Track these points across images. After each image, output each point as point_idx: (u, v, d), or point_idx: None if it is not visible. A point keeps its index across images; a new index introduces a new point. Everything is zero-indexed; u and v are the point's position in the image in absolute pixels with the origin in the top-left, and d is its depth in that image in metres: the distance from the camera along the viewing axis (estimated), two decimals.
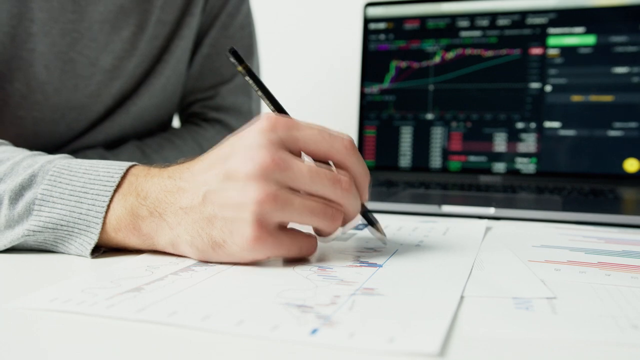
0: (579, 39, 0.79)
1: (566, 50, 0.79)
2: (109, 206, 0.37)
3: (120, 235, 0.37)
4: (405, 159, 0.85)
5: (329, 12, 1.24)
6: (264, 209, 0.33)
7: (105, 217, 0.37)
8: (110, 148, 0.66)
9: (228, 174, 0.34)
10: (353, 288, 0.30)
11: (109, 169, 0.38)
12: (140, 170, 0.38)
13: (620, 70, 0.77)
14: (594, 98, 0.78)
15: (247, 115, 0.74)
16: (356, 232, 0.45)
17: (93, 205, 0.37)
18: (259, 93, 0.40)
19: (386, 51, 0.88)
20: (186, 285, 0.30)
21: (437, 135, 0.84)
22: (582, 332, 0.24)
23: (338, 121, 1.23)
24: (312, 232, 0.37)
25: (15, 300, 0.27)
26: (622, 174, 0.76)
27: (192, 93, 0.74)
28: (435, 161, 0.84)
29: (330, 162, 0.36)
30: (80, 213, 0.37)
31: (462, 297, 0.29)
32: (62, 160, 0.40)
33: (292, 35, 1.28)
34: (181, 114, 0.78)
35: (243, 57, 0.68)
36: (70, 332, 0.24)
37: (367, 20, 0.89)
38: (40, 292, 0.29)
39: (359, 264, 0.35)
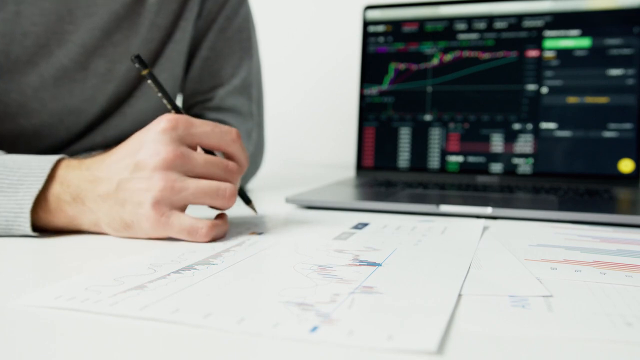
0: (575, 41, 0.80)
1: (562, 53, 0.80)
2: (40, 194, 0.42)
3: (49, 217, 0.43)
4: (403, 160, 0.86)
5: (329, 15, 1.24)
6: (163, 195, 0.40)
7: (36, 203, 0.42)
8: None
9: (137, 165, 0.41)
10: (352, 286, 0.30)
11: (41, 162, 0.43)
12: (66, 162, 0.44)
13: (615, 72, 0.78)
14: (589, 100, 0.79)
15: (247, 116, 0.74)
16: (356, 231, 0.46)
17: (27, 194, 0.42)
18: (159, 95, 0.46)
19: (385, 53, 0.89)
20: (188, 284, 0.30)
21: (435, 136, 0.85)
22: (577, 329, 0.25)
23: (338, 122, 1.23)
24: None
25: (19, 298, 0.28)
26: (616, 174, 0.77)
27: (192, 96, 0.74)
28: (434, 162, 0.84)
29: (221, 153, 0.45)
30: (17, 200, 0.42)
31: (459, 295, 0.29)
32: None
33: (292, 37, 1.28)
34: None
35: (240, 57, 0.70)
36: (74, 330, 0.25)
37: (366, 23, 0.90)
38: (44, 290, 0.29)
39: (358, 263, 0.35)
